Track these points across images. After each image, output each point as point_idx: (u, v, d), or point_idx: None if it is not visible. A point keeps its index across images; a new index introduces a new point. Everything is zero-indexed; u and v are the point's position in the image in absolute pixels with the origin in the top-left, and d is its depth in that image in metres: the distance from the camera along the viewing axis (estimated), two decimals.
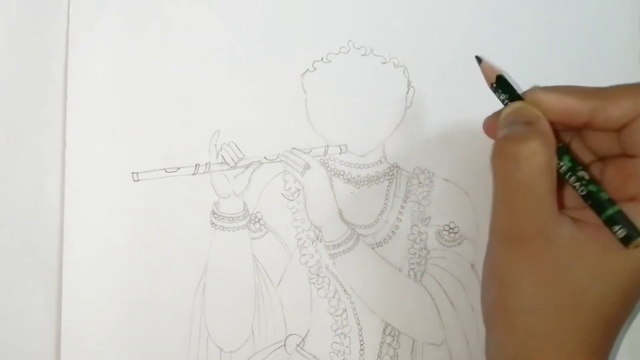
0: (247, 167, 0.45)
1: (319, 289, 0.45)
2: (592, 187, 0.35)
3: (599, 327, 0.35)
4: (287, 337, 0.45)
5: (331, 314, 0.45)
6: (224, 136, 0.45)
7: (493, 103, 0.45)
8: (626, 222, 0.34)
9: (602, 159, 0.38)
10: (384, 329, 0.45)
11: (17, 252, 0.44)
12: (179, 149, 0.45)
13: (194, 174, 0.45)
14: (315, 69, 0.45)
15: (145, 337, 0.44)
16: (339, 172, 0.45)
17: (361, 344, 0.45)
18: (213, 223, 0.45)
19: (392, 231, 0.45)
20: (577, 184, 0.35)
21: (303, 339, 0.45)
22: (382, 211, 0.45)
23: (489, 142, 0.46)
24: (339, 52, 0.45)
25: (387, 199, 0.45)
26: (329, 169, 0.45)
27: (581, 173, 0.35)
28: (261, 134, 0.45)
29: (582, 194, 0.35)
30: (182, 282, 0.44)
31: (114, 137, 0.44)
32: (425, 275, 0.45)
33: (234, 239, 0.45)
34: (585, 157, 0.39)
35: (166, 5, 0.45)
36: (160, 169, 0.44)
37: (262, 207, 0.45)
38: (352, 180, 0.45)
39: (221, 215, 0.45)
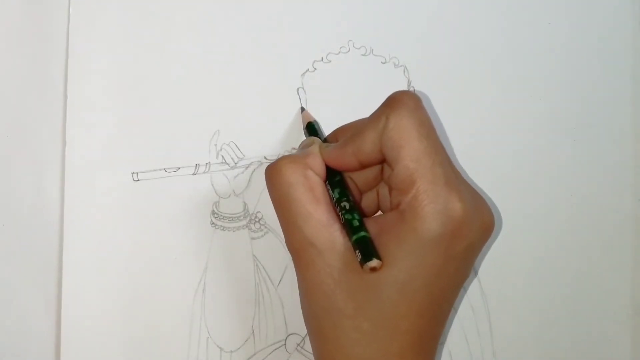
0: (247, 167, 0.45)
1: None
2: (347, 216, 0.37)
3: (384, 332, 0.36)
4: (287, 337, 0.45)
5: None
6: (224, 136, 0.45)
7: (493, 103, 0.46)
8: (364, 248, 0.36)
9: None
10: None
11: (17, 252, 0.44)
12: (179, 149, 0.45)
13: (194, 174, 0.45)
14: (315, 69, 0.45)
15: (145, 337, 0.44)
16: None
17: None
18: (213, 223, 0.45)
19: None
20: (341, 213, 0.38)
21: (303, 339, 0.45)
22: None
23: (490, 141, 0.47)
24: (339, 52, 0.46)
25: None
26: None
27: (344, 204, 0.38)
28: (261, 134, 0.45)
29: (342, 222, 0.38)
30: (182, 281, 0.45)
31: (114, 137, 0.44)
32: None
33: (234, 238, 0.45)
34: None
35: (166, 6, 0.45)
36: (160, 169, 0.45)
37: (262, 207, 0.45)
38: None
39: (221, 215, 0.45)
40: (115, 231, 0.44)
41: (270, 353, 0.45)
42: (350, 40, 0.46)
